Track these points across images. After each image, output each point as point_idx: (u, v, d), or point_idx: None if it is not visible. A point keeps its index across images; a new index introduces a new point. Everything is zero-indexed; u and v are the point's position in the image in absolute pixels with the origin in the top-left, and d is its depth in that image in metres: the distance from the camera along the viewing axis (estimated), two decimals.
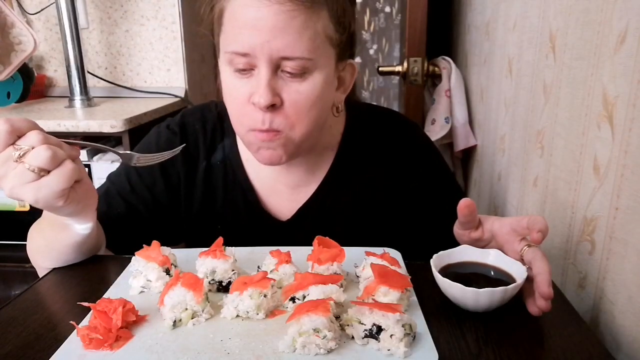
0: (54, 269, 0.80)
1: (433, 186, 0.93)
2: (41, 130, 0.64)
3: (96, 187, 0.92)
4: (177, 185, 0.91)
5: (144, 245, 0.72)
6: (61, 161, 0.63)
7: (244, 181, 0.91)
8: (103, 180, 0.95)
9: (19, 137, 0.62)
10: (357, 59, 3.19)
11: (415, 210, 0.93)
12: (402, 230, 0.92)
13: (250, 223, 0.92)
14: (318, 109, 0.78)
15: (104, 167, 1.55)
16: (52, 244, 0.78)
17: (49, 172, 0.62)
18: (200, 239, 0.81)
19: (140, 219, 0.90)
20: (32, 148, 0.61)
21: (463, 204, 0.71)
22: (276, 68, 0.74)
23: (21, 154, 0.61)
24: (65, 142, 0.66)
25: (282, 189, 0.92)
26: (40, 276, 0.79)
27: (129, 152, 0.73)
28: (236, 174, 0.92)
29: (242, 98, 0.76)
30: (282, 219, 0.91)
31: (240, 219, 0.92)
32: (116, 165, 0.90)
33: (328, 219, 0.91)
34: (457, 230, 0.76)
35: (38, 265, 0.83)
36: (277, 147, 0.78)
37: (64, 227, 0.74)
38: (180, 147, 0.78)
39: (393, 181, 0.92)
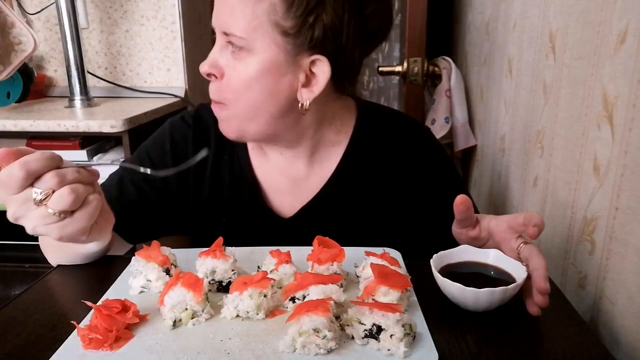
0: (54, 268, 0.80)
1: (440, 188, 0.93)
2: (58, 162, 0.62)
3: (110, 175, 0.94)
4: (187, 176, 0.92)
5: (144, 245, 0.73)
6: (84, 199, 0.63)
7: (250, 175, 0.92)
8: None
9: (37, 177, 0.61)
10: None
11: (420, 211, 0.92)
12: (404, 230, 0.92)
13: (253, 219, 0.92)
14: (255, 94, 0.77)
15: (103, 168, 1.55)
16: (64, 247, 0.78)
17: (73, 211, 0.63)
18: (205, 232, 0.83)
19: (151, 206, 0.92)
20: (53, 191, 0.60)
21: (459, 200, 0.71)
22: (228, 43, 0.77)
23: (42, 198, 0.60)
24: (81, 166, 0.65)
25: (284, 183, 0.92)
26: (52, 264, 0.81)
27: (149, 170, 0.72)
28: (243, 168, 0.92)
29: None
30: (285, 215, 0.92)
31: (244, 214, 0.92)
32: (116, 166, 0.91)
33: (330, 217, 0.90)
34: (455, 229, 0.76)
35: (48, 257, 0.84)
36: (222, 120, 0.83)
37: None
38: (203, 153, 0.74)
39: (400, 182, 0.92)
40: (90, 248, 0.76)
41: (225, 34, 0.76)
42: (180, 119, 0.96)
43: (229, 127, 0.83)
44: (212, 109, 0.83)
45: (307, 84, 0.79)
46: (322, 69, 0.78)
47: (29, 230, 0.63)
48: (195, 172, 0.92)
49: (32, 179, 0.60)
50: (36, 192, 0.60)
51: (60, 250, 0.79)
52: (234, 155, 0.93)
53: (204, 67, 0.79)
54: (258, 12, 0.73)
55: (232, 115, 0.80)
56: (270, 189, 0.92)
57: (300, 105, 0.79)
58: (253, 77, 0.76)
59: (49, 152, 0.62)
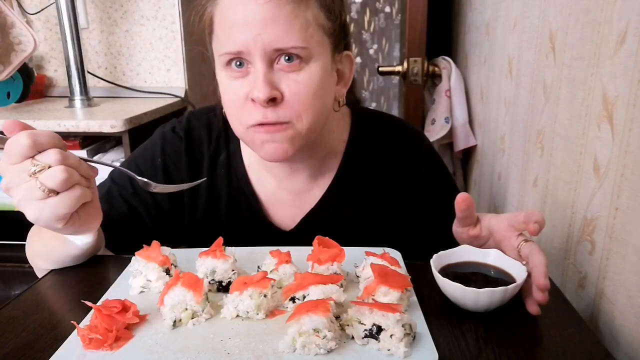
0: (54, 269, 0.80)
1: (435, 194, 0.93)
2: (64, 146, 0.63)
3: (97, 186, 0.92)
4: (180, 192, 0.90)
5: (144, 245, 0.72)
6: (72, 185, 0.63)
7: (247, 189, 0.90)
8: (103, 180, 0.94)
9: (40, 151, 0.61)
10: (358, 59, 3.19)
11: (417, 217, 0.92)
12: (403, 235, 0.92)
13: (253, 232, 0.91)
14: (321, 99, 0.77)
15: (103, 168, 1.55)
16: (51, 252, 0.78)
17: (57, 193, 0.62)
18: (202, 247, 0.80)
19: (141, 222, 0.90)
20: (49, 167, 0.61)
21: (460, 198, 0.71)
22: (271, 62, 0.73)
23: (36, 170, 0.60)
24: (85, 160, 0.66)
25: (285, 196, 0.91)
26: (39, 276, 0.79)
27: (147, 180, 0.72)
28: (239, 181, 0.91)
29: (240, 98, 0.75)
30: (285, 228, 0.91)
31: (243, 227, 0.91)
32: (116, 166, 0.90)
33: (331, 228, 0.89)
34: (456, 228, 0.76)
35: (37, 267, 0.83)
36: (282, 140, 0.76)
37: (63, 239, 0.74)
38: (201, 181, 0.76)
39: (397, 190, 0.92)
40: (76, 244, 0.75)
41: (280, 50, 0.72)
42: (171, 130, 0.93)
43: (291, 146, 0.77)
44: (259, 133, 0.76)
45: (338, 80, 0.84)
46: (348, 64, 0.84)
47: (15, 202, 0.63)
48: (190, 187, 0.90)
49: (35, 151, 0.61)
50: (34, 163, 0.61)
51: (46, 251, 0.78)
52: (230, 169, 0.91)
53: (265, 93, 0.71)
54: (310, 19, 0.73)
55: (296, 132, 0.76)
56: (270, 202, 0.91)
57: (337, 102, 0.84)
58: (319, 84, 0.75)
59: (56, 134, 0.63)
